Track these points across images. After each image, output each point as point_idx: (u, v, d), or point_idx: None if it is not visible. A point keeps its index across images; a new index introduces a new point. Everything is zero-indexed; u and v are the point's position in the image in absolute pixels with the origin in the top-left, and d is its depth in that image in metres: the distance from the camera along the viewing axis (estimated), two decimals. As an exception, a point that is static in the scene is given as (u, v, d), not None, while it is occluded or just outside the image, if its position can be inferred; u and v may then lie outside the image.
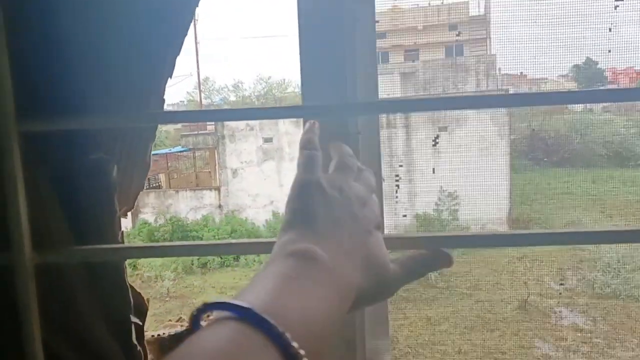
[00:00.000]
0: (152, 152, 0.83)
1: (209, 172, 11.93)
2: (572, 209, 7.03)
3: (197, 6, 0.76)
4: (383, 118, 6.91)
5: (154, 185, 11.59)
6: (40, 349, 0.60)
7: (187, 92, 18.11)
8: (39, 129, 0.63)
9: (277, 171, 10.05)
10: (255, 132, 9.96)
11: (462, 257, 6.41)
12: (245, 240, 0.69)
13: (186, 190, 10.60)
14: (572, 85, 8.82)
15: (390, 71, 7.17)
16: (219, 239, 8.97)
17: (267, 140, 10.27)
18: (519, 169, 7.80)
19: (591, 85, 8.17)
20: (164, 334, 0.94)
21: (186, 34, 0.76)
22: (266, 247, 0.56)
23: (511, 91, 7.37)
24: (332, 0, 0.65)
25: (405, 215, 7.50)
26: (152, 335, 0.94)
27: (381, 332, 0.75)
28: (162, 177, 12.16)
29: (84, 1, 0.68)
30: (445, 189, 7.44)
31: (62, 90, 0.67)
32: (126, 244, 0.84)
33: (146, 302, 0.81)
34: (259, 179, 10.08)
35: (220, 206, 10.22)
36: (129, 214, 0.88)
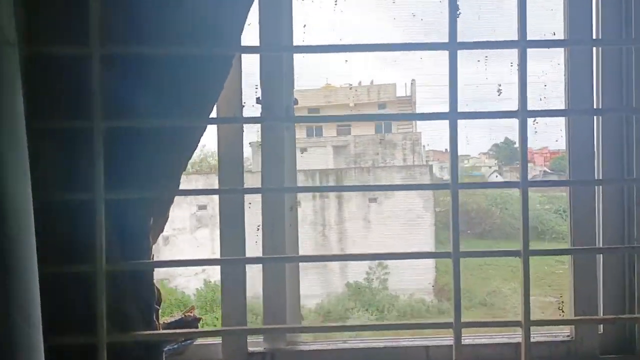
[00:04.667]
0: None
1: (140, 238, 11.58)
2: (493, 279, 7.37)
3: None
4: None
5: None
6: (104, 331, 1.11)
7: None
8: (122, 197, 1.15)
9: (210, 239, 9.90)
10: (189, 199, 9.90)
11: None
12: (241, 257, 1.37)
13: (114, 258, 10.21)
14: (492, 162, 9.44)
15: (324, 144, 7.48)
16: (146, 308, 8.63)
17: (202, 207, 10.17)
18: (443, 240, 8.15)
19: (510, 162, 8.78)
20: (165, 321, 1.38)
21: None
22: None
23: (435, 166, 7.83)
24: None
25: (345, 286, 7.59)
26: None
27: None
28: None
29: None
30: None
31: (143, 174, 1.17)
32: (154, 260, 1.26)
33: (162, 296, 1.25)
34: (192, 246, 9.86)
35: (149, 274, 9.90)
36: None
